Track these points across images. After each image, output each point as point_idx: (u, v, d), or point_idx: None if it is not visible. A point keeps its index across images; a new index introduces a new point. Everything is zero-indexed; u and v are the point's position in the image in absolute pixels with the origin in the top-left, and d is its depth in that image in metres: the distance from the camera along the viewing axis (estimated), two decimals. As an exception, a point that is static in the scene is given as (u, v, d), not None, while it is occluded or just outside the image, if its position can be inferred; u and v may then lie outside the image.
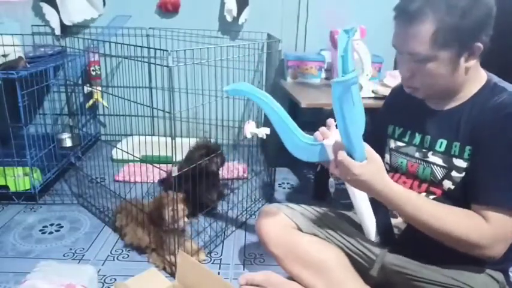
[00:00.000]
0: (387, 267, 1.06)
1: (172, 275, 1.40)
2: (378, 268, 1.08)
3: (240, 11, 2.41)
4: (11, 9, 2.37)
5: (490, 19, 0.89)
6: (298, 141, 1.04)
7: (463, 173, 0.95)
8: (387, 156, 1.13)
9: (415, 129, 1.06)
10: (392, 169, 1.12)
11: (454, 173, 0.96)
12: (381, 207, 1.10)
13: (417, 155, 1.04)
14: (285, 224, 1.17)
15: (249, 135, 1.47)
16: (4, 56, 1.81)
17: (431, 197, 1.00)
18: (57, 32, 2.40)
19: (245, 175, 2.16)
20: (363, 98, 1.92)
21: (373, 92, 1.97)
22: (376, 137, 1.15)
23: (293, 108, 2.49)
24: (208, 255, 1.52)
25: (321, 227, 1.17)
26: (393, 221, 1.09)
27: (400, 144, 1.10)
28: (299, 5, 2.52)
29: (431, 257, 0.99)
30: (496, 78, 0.98)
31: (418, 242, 0.97)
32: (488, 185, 0.90)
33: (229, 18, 2.42)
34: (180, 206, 1.40)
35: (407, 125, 1.09)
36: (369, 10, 2.44)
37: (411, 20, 0.87)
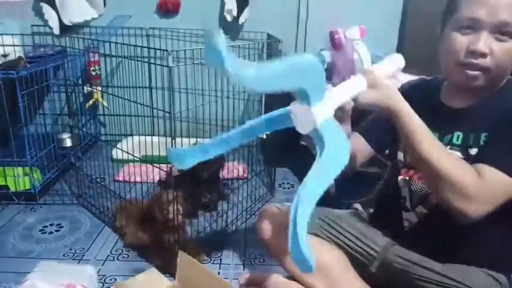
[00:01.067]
0: (389, 264, 1.06)
1: (172, 275, 1.40)
2: (377, 265, 1.08)
3: (240, 11, 2.41)
4: (11, 9, 2.37)
5: None
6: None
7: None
8: (400, 154, 1.11)
9: (431, 130, 1.01)
10: (406, 166, 1.09)
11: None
12: (392, 201, 1.10)
13: None
14: (285, 224, 1.16)
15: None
16: (4, 56, 1.81)
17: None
18: (56, 31, 2.40)
19: (245, 175, 2.16)
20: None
21: (373, 92, 1.97)
22: (379, 131, 1.14)
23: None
24: (208, 255, 1.52)
25: (321, 225, 1.17)
26: (404, 214, 1.08)
27: None
28: (299, 5, 2.52)
29: (437, 253, 0.98)
30: None
31: (427, 237, 0.98)
32: (491, 147, 0.89)
33: (229, 18, 2.42)
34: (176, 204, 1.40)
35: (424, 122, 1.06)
36: (369, 10, 2.45)
37: None
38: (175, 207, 1.37)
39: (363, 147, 1.17)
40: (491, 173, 0.85)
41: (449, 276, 0.94)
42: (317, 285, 1.09)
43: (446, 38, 0.95)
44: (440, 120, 1.00)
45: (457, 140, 0.97)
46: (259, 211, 1.28)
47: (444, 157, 0.86)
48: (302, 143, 2.33)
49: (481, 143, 0.92)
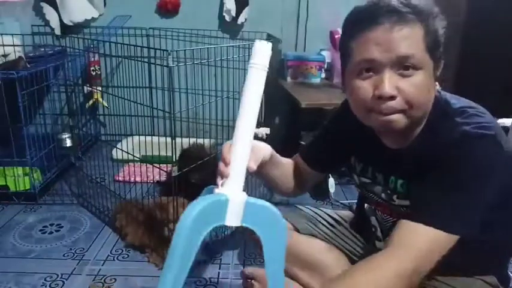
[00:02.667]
0: None
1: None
2: None
3: (239, 10, 2.41)
4: (11, 9, 2.37)
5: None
6: None
7: None
8: (357, 189, 1.08)
9: (375, 168, 0.98)
10: (366, 201, 1.07)
11: None
12: (365, 229, 1.08)
13: (383, 196, 0.97)
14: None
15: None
16: (4, 56, 1.81)
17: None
18: (57, 31, 2.40)
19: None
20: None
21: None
22: (321, 156, 1.09)
23: (293, 108, 2.49)
24: (208, 255, 1.51)
25: (320, 228, 1.16)
26: (377, 244, 1.07)
27: (365, 180, 1.01)
28: (299, 5, 2.52)
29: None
30: (440, 97, 0.87)
31: None
32: (421, 201, 0.82)
33: (228, 18, 2.43)
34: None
35: (367, 160, 1.00)
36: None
37: (400, 21, 0.77)
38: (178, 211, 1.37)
39: (304, 169, 1.12)
40: (422, 232, 0.77)
41: (450, 284, 0.92)
42: (313, 284, 1.08)
43: (349, 88, 0.85)
44: (380, 159, 0.94)
45: (401, 187, 0.91)
46: None
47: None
48: (302, 143, 2.33)
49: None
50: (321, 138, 1.13)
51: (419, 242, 0.77)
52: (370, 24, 0.78)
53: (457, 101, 0.87)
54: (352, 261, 1.10)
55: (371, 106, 0.82)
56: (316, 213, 1.21)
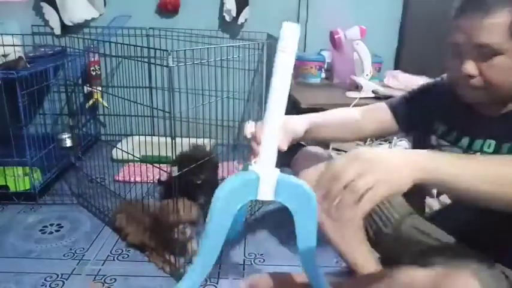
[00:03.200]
0: (401, 232, 1.05)
1: (172, 275, 1.40)
2: (390, 230, 1.07)
3: (239, 11, 2.41)
4: (11, 9, 2.37)
5: None
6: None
7: None
8: (433, 138, 1.10)
9: (462, 132, 1.01)
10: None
11: None
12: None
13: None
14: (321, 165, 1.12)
15: (249, 136, 1.47)
16: (4, 56, 1.81)
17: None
18: (57, 31, 2.40)
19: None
20: (363, 98, 1.95)
21: (373, 92, 1.97)
22: (409, 114, 1.13)
23: (293, 108, 2.49)
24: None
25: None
26: (427, 199, 1.08)
27: (443, 142, 1.05)
28: (299, 5, 2.52)
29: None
30: None
31: (444, 228, 0.98)
32: None
33: (228, 18, 2.42)
34: (194, 213, 1.41)
35: (454, 125, 1.04)
36: (369, 10, 2.45)
37: (488, 10, 0.83)
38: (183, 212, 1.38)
39: (388, 120, 1.15)
40: None
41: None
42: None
43: (446, 58, 0.96)
44: (470, 124, 0.98)
45: (488, 147, 0.95)
46: (298, 153, 1.27)
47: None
48: (302, 142, 2.33)
49: None
50: (409, 98, 1.16)
51: None
52: (460, 12, 0.88)
53: None
54: (369, 224, 1.13)
55: (456, 82, 0.93)
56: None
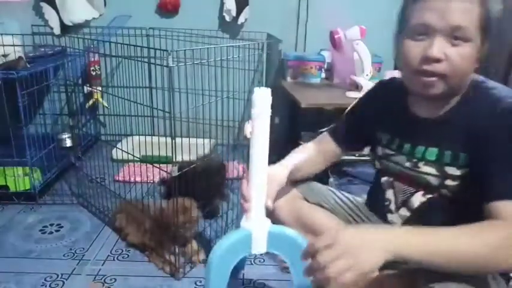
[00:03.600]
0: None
1: (172, 275, 1.40)
2: None
3: (239, 10, 2.41)
4: (11, 9, 2.37)
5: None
6: None
7: (458, 181, 0.91)
8: (377, 163, 1.11)
9: (403, 139, 1.01)
10: (385, 174, 1.10)
11: (448, 182, 0.93)
12: (379, 203, 1.11)
13: (408, 164, 1.00)
14: (292, 195, 1.20)
15: (249, 135, 1.47)
16: (4, 56, 1.81)
17: (428, 196, 0.98)
18: (56, 31, 2.40)
19: (245, 175, 2.16)
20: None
21: (373, 92, 1.97)
22: (349, 136, 1.15)
23: (293, 108, 2.49)
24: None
25: (328, 199, 1.21)
26: (389, 216, 1.08)
27: (388, 151, 1.05)
28: (299, 5, 2.52)
29: None
30: (478, 77, 0.93)
31: None
32: (494, 179, 0.83)
33: (228, 18, 2.42)
34: (194, 214, 1.42)
35: (394, 132, 1.04)
36: (369, 10, 2.45)
37: None
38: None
39: (332, 148, 1.18)
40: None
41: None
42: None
43: (402, 47, 0.92)
44: (409, 129, 0.98)
45: (431, 155, 0.95)
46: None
47: (468, 247, 0.75)
48: (302, 142, 2.33)
49: (461, 163, 0.90)
50: (348, 117, 1.19)
51: None
52: None
53: (493, 83, 0.92)
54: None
55: (417, 67, 0.88)
56: (329, 189, 1.25)
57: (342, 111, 2.00)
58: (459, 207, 0.91)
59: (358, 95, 1.95)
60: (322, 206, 1.19)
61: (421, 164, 0.97)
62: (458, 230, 0.78)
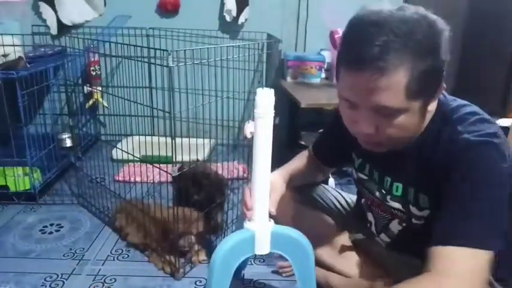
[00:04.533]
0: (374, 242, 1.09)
1: (172, 275, 1.40)
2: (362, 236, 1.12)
3: (239, 11, 2.41)
4: (11, 9, 2.37)
5: (448, 46, 0.76)
6: None
7: (422, 221, 0.89)
8: (355, 184, 1.10)
9: (372, 165, 0.99)
10: (362, 194, 1.10)
11: (414, 220, 0.91)
12: (362, 223, 1.12)
13: (378, 194, 0.98)
14: (289, 195, 1.17)
15: (249, 135, 1.47)
16: (4, 56, 1.81)
17: (404, 224, 0.96)
18: (53, 31, 2.40)
19: (245, 175, 2.16)
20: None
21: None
22: (330, 152, 1.14)
23: (293, 108, 2.49)
24: (209, 255, 1.51)
25: (328, 204, 1.22)
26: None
27: (362, 176, 1.03)
28: (299, 5, 2.52)
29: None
30: (445, 102, 0.86)
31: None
32: (438, 222, 0.79)
33: (228, 18, 2.42)
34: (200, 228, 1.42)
35: (366, 157, 1.00)
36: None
37: (384, 69, 0.71)
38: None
39: (318, 164, 1.18)
40: (460, 254, 0.74)
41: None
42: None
43: (338, 102, 0.86)
44: (377, 157, 0.91)
45: (396, 191, 0.91)
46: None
47: None
48: (302, 142, 2.33)
49: (422, 204, 0.86)
50: (327, 133, 1.17)
51: (461, 266, 0.74)
52: (352, 67, 0.75)
53: (459, 107, 0.84)
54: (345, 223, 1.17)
55: (352, 131, 0.84)
56: (328, 190, 1.25)
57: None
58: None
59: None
60: (315, 203, 1.20)
61: (388, 198, 0.94)
62: None
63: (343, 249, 1.15)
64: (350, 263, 1.13)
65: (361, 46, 0.73)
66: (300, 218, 1.16)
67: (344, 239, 1.16)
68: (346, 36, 0.80)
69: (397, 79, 0.72)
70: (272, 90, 0.83)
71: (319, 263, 1.12)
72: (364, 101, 0.76)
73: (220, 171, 1.84)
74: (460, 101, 0.87)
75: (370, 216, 1.07)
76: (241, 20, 2.43)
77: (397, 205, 0.92)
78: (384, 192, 0.95)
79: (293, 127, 2.52)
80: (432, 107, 0.81)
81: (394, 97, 0.74)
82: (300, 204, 1.20)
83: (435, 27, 0.74)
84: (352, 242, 1.16)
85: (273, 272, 1.43)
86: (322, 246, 1.14)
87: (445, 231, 0.77)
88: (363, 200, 1.09)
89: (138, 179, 1.98)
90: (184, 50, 1.30)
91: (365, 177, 1.01)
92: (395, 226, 0.99)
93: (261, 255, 0.95)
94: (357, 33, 0.76)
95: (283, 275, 1.39)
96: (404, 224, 0.96)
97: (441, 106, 0.85)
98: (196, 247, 1.48)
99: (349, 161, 1.07)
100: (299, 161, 1.19)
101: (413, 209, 0.89)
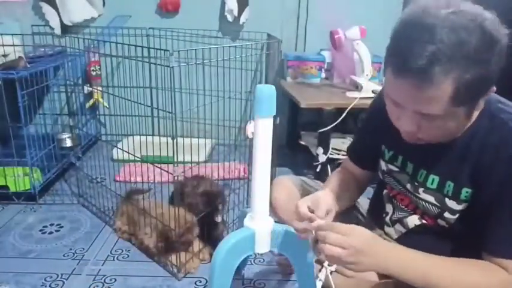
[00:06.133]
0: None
1: (173, 275, 1.40)
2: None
3: (240, 11, 2.41)
4: (11, 9, 2.37)
5: (503, 55, 0.74)
6: None
7: (457, 215, 0.88)
8: (379, 175, 1.08)
9: (406, 157, 0.97)
10: (386, 188, 1.08)
11: (447, 214, 0.89)
12: (377, 212, 1.10)
13: (409, 186, 0.97)
14: (291, 193, 1.20)
15: (250, 136, 1.47)
16: (4, 56, 1.81)
17: (423, 221, 0.96)
18: (57, 32, 2.40)
19: (245, 175, 2.16)
20: (363, 98, 1.95)
21: (373, 92, 1.97)
22: (363, 151, 1.12)
23: (293, 108, 2.49)
24: (210, 255, 1.51)
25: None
26: (385, 228, 1.07)
27: (392, 168, 1.02)
28: (299, 5, 2.52)
29: None
30: (493, 101, 0.85)
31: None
32: (500, 237, 0.81)
33: (230, 18, 2.43)
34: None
35: (399, 149, 0.99)
36: (369, 10, 2.45)
37: (431, 80, 0.71)
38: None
39: (354, 169, 1.15)
40: None
41: None
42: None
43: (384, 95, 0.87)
44: (413, 148, 0.90)
45: (432, 183, 0.91)
46: (273, 182, 1.29)
47: (459, 277, 0.80)
48: (302, 142, 2.33)
49: (463, 197, 0.86)
50: (359, 132, 1.18)
51: None
52: (398, 72, 0.75)
53: (508, 107, 0.85)
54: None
55: (396, 125, 0.86)
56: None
57: (342, 111, 2.00)
58: (452, 239, 0.90)
59: (358, 95, 1.95)
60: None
61: (421, 190, 0.93)
62: (457, 264, 0.81)
63: None
64: None
65: (410, 53, 0.72)
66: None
67: None
68: (397, 34, 0.78)
69: (442, 90, 0.72)
70: (273, 87, 0.83)
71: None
72: (407, 104, 0.78)
73: (221, 172, 1.84)
74: (508, 102, 0.88)
75: (388, 208, 1.06)
76: (242, 20, 2.43)
77: (429, 198, 0.92)
78: (417, 184, 0.94)
79: (293, 127, 2.53)
80: (480, 107, 0.81)
81: (438, 106, 0.74)
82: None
83: (490, 37, 0.71)
84: None
85: (272, 269, 1.43)
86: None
87: (503, 247, 0.82)
88: (384, 192, 1.08)
89: (138, 179, 1.98)
90: (187, 51, 1.30)
91: (396, 169, 1.00)
92: (413, 221, 0.98)
93: (261, 254, 0.95)
94: (407, 36, 0.74)
95: (282, 273, 1.39)
96: (424, 221, 0.96)
97: (489, 106, 0.85)
98: (198, 246, 1.48)
99: (377, 153, 1.06)
100: (334, 177, 1.15)
101: (449, 202, 0.88)
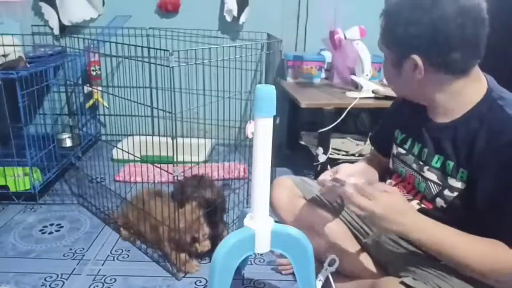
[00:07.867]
0: (380, 242, 1.13)
1: (173, 275, 1.40)
2: (370, 240, 1.16)
3: (240, 11, 2.41)
4: (11, 9, 2.37)
5: (441, 38, 0.86)
6: None
7: (456, 193, 0.93)
8: (390, 161, 1.14)
9: (415, 138, 1.04)
10: (393, 174, 1.14)
11: (446, 192, 0.95)
12: None
13: (414, 166, 1.03)
14: (292, 193, 1.26)
15: (250, 136, 1.47)
16: (4, 56, 1.80)
17: (422, 206, 1.02)
18: (56, 31, 2.40)
19: (245, 175, 2.16)
20: (363, 98, 1.95)
21: (373, 92, 1.97)
22: (383, 139, 1.19)
23: (293, 108, 2.49)
24: (209, 256, 1.51)
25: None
26: None
27: (401, 150, 1.09)
28: (299, 5, 2.52)
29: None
30: (496, 90, 0.92)
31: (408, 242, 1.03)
32: (499, 221, 0.86)
33: (229, 18, 2.42)
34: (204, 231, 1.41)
35: (410, 132, 1.07)
36: (369, 10, 2.44)
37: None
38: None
39: (377, 155, 1.23)
40: None
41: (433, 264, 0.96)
42: (320, 243, 1.16)
43: None
44: (422, 131, 1.01)
45: (436, 163, 0.97)
46: (273, 182, 1.31)
47: (477, 256, 0.85)
48: (302, 142, 2.33)
49: (459, 177, 0.91)
50: (381, 125, 1.25)
51: None
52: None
53: (507, 94, 0.92)
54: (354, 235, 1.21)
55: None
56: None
57: (341, 111, 2.00)
58: (450, 224, 0.92)
59: (358, 95, 1.95)
60: (318, 201, 1.23)
61: (425, 169, 0.99)
62: (473, 242, 0.86)
63: (353, 250, 1.20)
64: (358, 264, 1.18)
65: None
66: (302, 215, 1.21)
67: (353, 242, 1.21)
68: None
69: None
70: (273, 87, 0.84)
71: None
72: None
73: (221, 172, 1.84)
74: (504, 90, 0.94)
75: None
76: (241, 20, 2.43)
77: (432, 176, 0.97)
78: (421, 163, 1.00)
79: (293, 127, 2.52)
80: (417, 76, 0.91)
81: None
82: (302, 200, 1.25)
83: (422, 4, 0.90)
84: (361, 245, 1.21)
85: (272, 269, 1.43)
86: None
87: (504, 230, 0.86)
88: (387, 181, 1.13)
89: (138, 179, 1.98)
90: (187, 51, 1.30)
91: (403, 152, 1.07)
92: (412, 205, 1.03)
93: (261, 255, 0.95)
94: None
95: (283, 272, 1.39)
96: (423, 205, 1.01)
97: (492, 91, 0.91)
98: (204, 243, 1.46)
99: (391, 138, 1.13)
100: (361, 160, 1.27)
101: (451, 180, 0.93)
